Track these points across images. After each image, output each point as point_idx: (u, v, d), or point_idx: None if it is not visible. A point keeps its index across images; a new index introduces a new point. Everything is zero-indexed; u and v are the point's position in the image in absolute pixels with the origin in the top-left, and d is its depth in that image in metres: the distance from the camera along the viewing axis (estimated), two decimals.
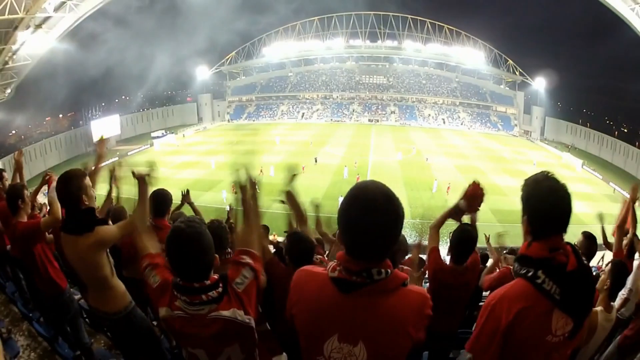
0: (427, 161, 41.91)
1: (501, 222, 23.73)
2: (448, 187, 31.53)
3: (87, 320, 4.11)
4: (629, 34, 39.34)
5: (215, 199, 27.92)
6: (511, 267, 1.99)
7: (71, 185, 2.73)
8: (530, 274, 1.64)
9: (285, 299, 1.66)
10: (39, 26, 33.41)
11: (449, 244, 3.48)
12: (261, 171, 31.14)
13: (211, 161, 40.55)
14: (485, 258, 5.78)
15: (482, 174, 37.78)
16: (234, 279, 1.87)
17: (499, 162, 44.95)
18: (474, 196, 3.09)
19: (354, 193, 1.42)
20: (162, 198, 3.62)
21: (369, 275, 1.40)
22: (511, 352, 1.66)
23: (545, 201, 1.66)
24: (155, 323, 3.30)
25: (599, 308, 2.85)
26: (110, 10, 44.57)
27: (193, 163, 41.35)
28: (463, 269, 3.49)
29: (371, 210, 1.35)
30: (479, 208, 3.18)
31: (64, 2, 33.08)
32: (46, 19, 33.50)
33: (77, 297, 3.88)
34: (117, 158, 45.24)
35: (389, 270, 1.43)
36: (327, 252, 3.93)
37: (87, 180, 2.82)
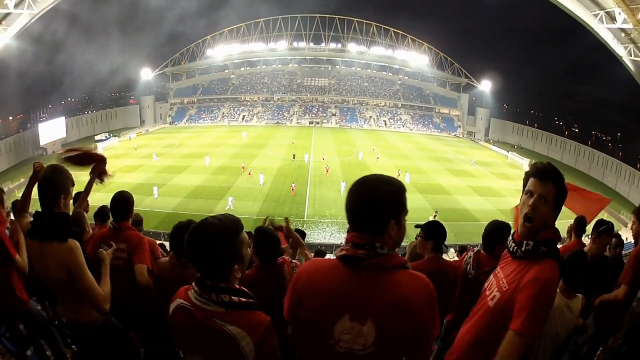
0: (378, 160, 41.77)
1: (446, 220, 23.96)
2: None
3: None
4: (581, 38, 39.87)
5: (155, 203, 28.12)
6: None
7: (59, 179, 2.56)
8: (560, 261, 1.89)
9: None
10: None
11: None
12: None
13: (154, 164, 39.79)
14: None
15: (424, 174, 37.57)
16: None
17: (442, 162, 44.91)
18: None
19: (358, 179, 1.60)
20: (124, 200, 3.48)
21: (372, 247, 1.52)
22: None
23: None
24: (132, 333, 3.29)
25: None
26: (59, 12, 43.73)
27: (134, 167, 39.42)
28: None
29: (369, 188, 1.54)
30: None
31: None
32: (6, 15, 32.05)
33: (38, 307, 3.60)
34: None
35: (390, 250, 1.55)
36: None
37: (72, 188, 2.66)
